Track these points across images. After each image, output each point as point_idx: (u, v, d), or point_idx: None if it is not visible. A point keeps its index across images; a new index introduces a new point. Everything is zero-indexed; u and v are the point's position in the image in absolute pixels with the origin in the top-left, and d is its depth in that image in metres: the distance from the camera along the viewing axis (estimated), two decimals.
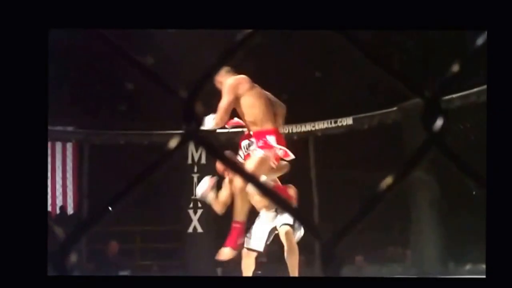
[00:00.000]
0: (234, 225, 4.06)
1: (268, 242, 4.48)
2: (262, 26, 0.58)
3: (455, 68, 0.64)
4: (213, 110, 3.73)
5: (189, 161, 7.81)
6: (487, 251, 0.70)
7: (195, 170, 7.78)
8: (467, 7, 0.66)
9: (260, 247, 4.47)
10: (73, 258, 0.54)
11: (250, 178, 0.61)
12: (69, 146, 8.53)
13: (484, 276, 0.68)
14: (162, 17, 0.57)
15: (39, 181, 0.61)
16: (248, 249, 4.40)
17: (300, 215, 0.67)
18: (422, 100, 0.64)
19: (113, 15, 0.57)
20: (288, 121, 7.80)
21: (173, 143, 0.59)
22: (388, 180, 0.62)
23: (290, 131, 7.72)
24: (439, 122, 0.63)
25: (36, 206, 0.60)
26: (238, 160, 4.13)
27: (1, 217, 0.60)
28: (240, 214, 4.03)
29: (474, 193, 6.48)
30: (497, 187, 0.69)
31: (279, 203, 0.62)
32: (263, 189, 0.59)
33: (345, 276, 0.58)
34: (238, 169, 0.65)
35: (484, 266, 3.00)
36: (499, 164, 0.69)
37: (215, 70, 0.58)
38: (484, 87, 5.87)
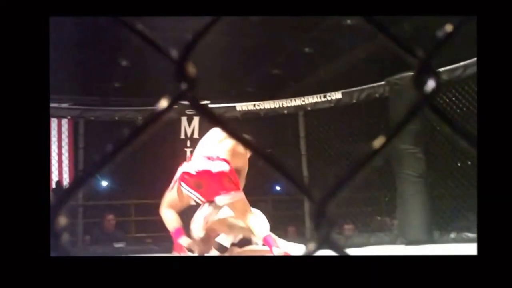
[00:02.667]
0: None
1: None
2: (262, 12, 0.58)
3: (448, 28, 0.63)
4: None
5: (182, 135, 7.89)
6: (478, 228, 0.69)
7: (188, 144, 7.88)
8: None
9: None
10: (62, 221, 0.50)
11: (247, 143, 0.59)
12: (64, 122, 8.60)
13: (475, 254, 0.68)
14: (163, 4, 0.55)
15: (42, 162, 0.57)
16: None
17: (291, 176, 0.60)
18: (414, 59, 0.63)
19: (112, 2, 0.55)
20: (279, 96, 7.96)
21: (163, 103, 0.54)
22: (380, 139, 0.60)
23: (281, 105, 7.86)
24: (431, 83, 0.62)
25: (39, 187, 0.57)
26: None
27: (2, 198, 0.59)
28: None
29: (459, 164, 6.63)
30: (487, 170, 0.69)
31: (273, 165, 0.59)
32: (262, 155, 0.58)
33: (334, 244, 0.60)
34: (235, 133, 0.59)
35: (468, 234, 3.25)
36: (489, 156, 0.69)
37: (207, 29, 0.55)
38: (471, 60, 5.97)
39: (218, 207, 4.45)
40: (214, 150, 4.41)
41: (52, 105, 8.62)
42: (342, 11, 0.62)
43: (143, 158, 8.46)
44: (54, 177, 10.53)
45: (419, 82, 0.63)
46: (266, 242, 4.22)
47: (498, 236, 0.69)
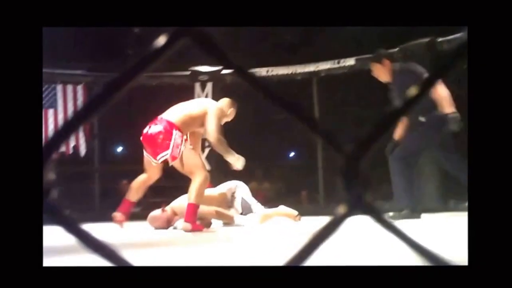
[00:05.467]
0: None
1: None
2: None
3: None
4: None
5: None
6: (469, 238, 0.68)
7: None
8: (448, 3, 0.64)
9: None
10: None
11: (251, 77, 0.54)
12: (79, 88, 8.66)
13: (466, 264, 0.66)
14: (158, 15, 0.54)
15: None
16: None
17: (319, 128, 0.54)
18: None
19: (107, 12, 0.54)
20: (293, 62, 7.93)
21: (162, 39, 0.50)
22: (415, 89, 0.56)
23: (295, 71, 7.85)
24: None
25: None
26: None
27: None
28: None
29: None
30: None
31: (298, 115, 0.54)
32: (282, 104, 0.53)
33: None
34: (239, 68, 0.55)
35: None
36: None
37: None
38: None
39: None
40: (166, 114, 4.69)
41: (66, 71, 8.68)
42: (339, 22, 0.63)
43: None
44: (71, 142, 10.68)
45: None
46: (188, 207, 4.44)
47: (489, 246, 0.67)
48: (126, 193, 8.64)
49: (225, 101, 4.95)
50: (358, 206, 0.53)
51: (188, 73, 7.92)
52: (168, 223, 4.73)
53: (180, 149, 4.54)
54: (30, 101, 0.60)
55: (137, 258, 2.74)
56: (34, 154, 0.55)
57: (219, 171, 7.89)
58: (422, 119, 5.06)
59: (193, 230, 4.37)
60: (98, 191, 8.17)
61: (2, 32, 0.59)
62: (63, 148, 10.77)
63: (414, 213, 5.02)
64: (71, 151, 10.64)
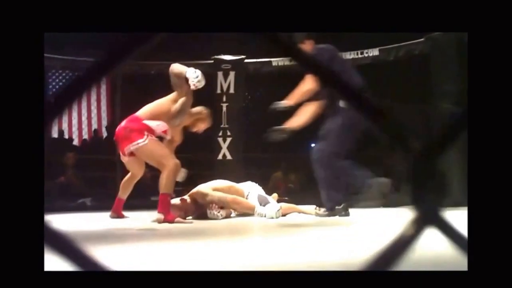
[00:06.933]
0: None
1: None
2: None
3: None
4: None
5: (218, 90, 7.90)
6: (469, 245, 0.65)
7: (224, 99, 7.90)
8: (449, 10, 0.64)
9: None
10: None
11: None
12: None
13: (466, 269, 0.64)
14: (159, 21, 0.53)
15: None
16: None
17: (387, 125, 0.47)
18: None
19: (108, 19, 0.54)
20: None
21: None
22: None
23: None
24: None
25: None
26: None
27: None
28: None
29: None
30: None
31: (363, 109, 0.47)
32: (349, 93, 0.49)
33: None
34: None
35: None
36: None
37: None
38: None
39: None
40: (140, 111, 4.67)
41: (89, 59, 8.70)
42: (337, 28, 0.63)
43: None
44: (93, 127, 10.80)
45: None
46: (160, 198, 4.35)
47: (490, 253, 0.65)
48: (146, 181, 8.67)
49: (198, 108, 4.94)
50: (431, 216, 0.44)
51: (211, 61, 7.89)
52: (186, 213, 4.71)
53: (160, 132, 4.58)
54: (30, 101, 0.58)
55: (154, 248, 2.72)
56: (33, 153, 0.54)
57: (240, 164, 7.89)
58: (343, 104, 4.58)
59: (167, 221, 4.26)
60: (119, 179, 8.18)
61: (3, 35, 0.59)
62: (85, 136, 10.87)
63: (346, 209, 4.84)
64: (92, 134, 10.77)
